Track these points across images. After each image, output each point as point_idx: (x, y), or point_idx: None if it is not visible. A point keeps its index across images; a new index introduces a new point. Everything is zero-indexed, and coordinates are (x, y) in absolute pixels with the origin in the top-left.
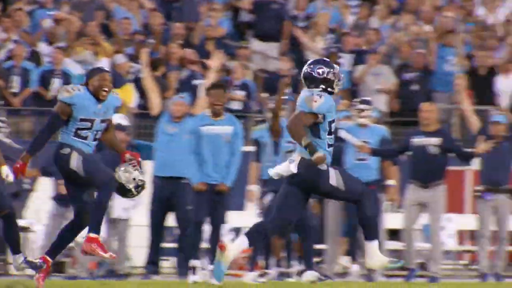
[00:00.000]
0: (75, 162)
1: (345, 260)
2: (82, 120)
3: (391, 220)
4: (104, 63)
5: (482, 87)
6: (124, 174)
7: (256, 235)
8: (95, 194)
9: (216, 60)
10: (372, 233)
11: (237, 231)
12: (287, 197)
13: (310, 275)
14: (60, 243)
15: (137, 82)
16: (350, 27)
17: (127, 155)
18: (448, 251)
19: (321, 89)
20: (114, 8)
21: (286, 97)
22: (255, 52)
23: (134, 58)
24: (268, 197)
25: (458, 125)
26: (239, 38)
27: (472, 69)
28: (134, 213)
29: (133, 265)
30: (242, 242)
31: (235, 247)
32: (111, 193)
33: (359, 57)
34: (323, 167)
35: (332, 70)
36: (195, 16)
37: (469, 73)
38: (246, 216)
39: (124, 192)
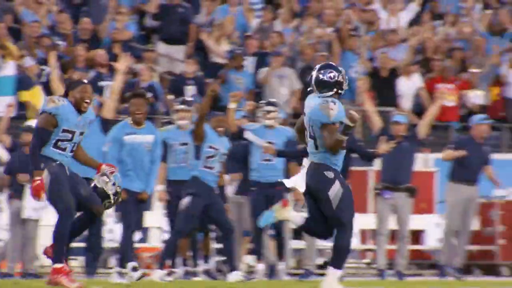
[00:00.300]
0: (44, 180)
1: (250, 259)
2: (64, 131)
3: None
4: (11, 65)
5: (384, 89)
6: (104, 180)
7: (309, 228)
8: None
9: (123, 63)
10: (339, 262)
11: (144, 231)
12: (309, 207)
13: (236, 275)
14: (73, 231)
15: (46, 85)
16: (254, 30)
17: (103, 166)
18: (351, 250)
19: (333, 92)
20: (22, 11)
21: (192, 99)
22: (161, 55)
23: (44, 61)
24: (186, 200)
25: (360, 126)
26: (145, 41)
27: (374, 70)
28: (44, 213)
29: (42, 265)
30: (300, 219)
31: (294, 215)
32: (68, 222)
33: (263, 59)
34: (330, 175)
35: (340, 73)
36: (102, 19)
37: (371, 75)
38: (153, 216)
39: (101, 199)
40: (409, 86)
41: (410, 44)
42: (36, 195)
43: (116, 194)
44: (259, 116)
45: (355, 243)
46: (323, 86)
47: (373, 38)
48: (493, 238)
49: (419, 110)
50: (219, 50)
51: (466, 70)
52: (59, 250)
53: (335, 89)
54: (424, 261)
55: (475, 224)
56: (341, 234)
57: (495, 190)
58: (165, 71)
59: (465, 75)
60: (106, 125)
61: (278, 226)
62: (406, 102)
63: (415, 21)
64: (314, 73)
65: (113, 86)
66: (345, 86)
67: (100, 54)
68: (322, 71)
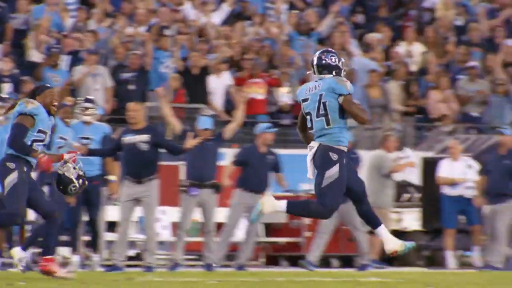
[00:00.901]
0: (8, 181)
1: (66, 251)
2: (40, 131)
3: (110, 212)
4: None
5: (195, 86)
6: (66, 166)
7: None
8: None
9: None
10: (293, 207)
11: None
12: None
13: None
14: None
15: None
16: (69, 29)
17: (65, 155)
18: (163, 242)
19: (333, 75)
20: None
21: (7, 96)
22: None
23: None
24: (45, 189)
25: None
26: None
27: (186, 69)
28: None
29: None
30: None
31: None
32: (9, 224)
33: (77, 58)
34: (334, 157)
35: (341, 58)
36: None
37: (183, 73)
38: None
39: (66, 185)
40: (219, 83)
41: (221, 43)
42: (47, 168)
43: (79, 177)
44: (77, 113)
45: (166, 235)
46: (323, 68)
47: (185, 38)
48: (300, 231)
49: (229, 106)
50: (36, 48)
51: (275, 68)
52: None
53: (334, 72)
54: (231, 253)
55: (283, 217)
56: (316, 205)
57: (301, 184)
58: None
59: (274, 72)
60: None
61: (92, 219)
62: (217, 99)
63: (226, 21)
64: (315, 57)
65: None
66: (343, 72)
67: None
68: (325, 54)
